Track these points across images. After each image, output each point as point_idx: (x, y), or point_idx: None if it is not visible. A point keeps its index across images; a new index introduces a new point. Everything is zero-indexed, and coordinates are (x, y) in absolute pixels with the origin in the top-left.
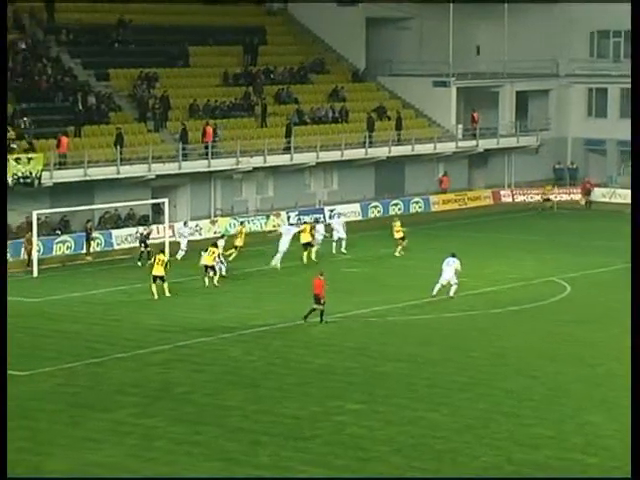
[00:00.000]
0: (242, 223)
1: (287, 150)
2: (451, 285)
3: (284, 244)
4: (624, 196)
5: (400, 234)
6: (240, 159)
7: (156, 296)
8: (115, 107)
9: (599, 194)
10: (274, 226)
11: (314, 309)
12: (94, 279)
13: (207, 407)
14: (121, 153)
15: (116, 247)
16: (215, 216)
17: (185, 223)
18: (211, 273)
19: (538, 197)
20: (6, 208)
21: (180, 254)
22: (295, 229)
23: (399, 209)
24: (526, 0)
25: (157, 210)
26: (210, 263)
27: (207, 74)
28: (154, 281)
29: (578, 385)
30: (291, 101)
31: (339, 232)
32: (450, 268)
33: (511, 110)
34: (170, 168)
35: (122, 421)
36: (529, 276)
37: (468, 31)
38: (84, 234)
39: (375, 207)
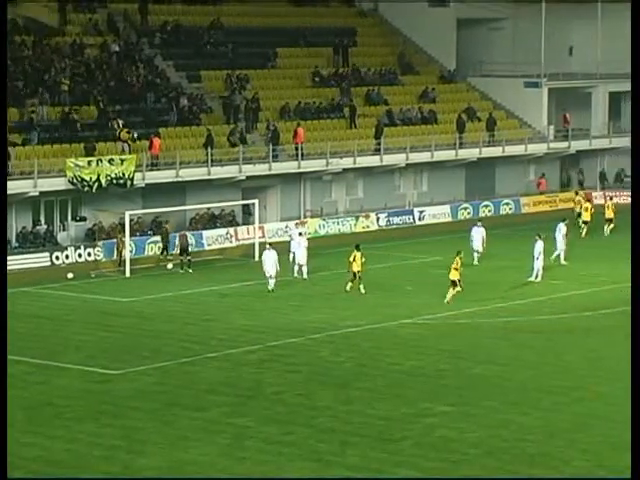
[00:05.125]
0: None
1: (377, 151)
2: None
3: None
4: None
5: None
6: (330, 160)
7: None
8: (206, 109)
9: None
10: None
11: None
12: (186, 279)
13: (298, 407)
14: (212, 154)
15: (207, 248)
16: (305, 217)
17: (300, 234)
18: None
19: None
20: (6, 209)
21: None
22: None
23: (489, 211)
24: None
25: (247, 211)
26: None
27: (297, 75)
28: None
29: None
30: (381, 102)
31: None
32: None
33: (604, 111)
34: (260, 169)
35: (214, 420)
36: (623, 279)
37: (561, 31)
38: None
39: (465, 209)
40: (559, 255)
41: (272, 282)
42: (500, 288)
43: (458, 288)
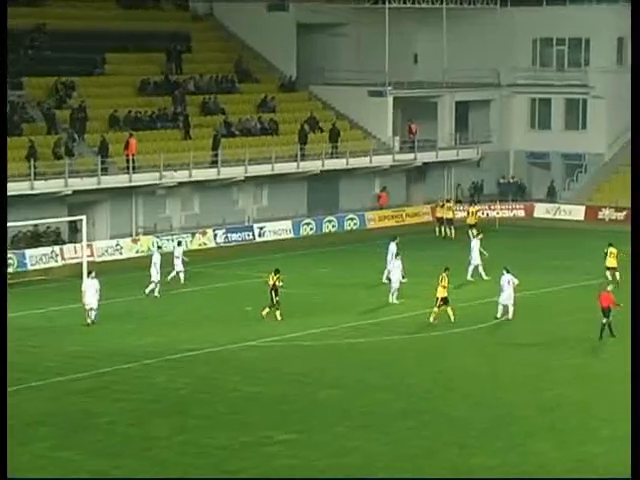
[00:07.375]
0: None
1: (214, 164)
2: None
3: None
4: (569, 212)
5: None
6: (163, 173)
7: None
8: (28, 118)
9: (543, 210)
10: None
11: (605, 324)
12: (8, 302)
13: (130, 438)
14: (35, 167)
15: (30, 268)
16: (137, 234)
17: (179, 243)
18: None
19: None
20: (6, 211)
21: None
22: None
23: (333, 226)
24: (466, 5)
25: (74, 229)
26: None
27: (127, 83)
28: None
29: (525, 411)
30: (218, 111)
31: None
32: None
33: (450, 121)
34: (88, 183)
35: (39, 454)
36: (470, 297)
37: (405, 38)
38: None
39: (308, 224)
40: (478, 269)
41: (93, 314)
42: (346, 308)
43: (449, 308)
